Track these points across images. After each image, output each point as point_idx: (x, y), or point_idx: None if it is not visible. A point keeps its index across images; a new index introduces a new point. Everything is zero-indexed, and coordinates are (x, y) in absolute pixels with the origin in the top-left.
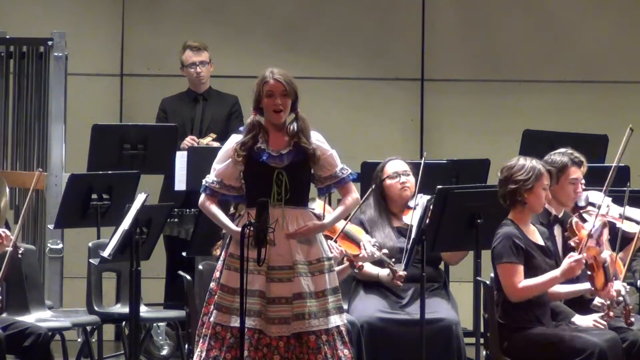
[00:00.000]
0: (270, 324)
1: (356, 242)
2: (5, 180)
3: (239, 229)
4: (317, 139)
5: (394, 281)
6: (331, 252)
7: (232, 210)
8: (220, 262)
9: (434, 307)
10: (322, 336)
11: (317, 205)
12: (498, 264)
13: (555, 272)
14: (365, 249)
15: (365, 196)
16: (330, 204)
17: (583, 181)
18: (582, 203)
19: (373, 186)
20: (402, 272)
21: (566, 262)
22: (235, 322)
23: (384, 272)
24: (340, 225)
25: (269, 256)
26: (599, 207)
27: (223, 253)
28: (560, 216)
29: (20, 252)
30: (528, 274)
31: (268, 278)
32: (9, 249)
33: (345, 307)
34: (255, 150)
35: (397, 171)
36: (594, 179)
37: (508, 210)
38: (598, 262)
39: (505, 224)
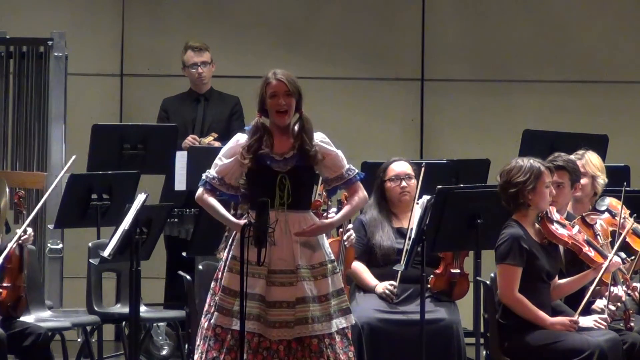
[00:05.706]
0: (270, 327)
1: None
2: (5, 180)
3: (239, 222)
4: (322, 139)
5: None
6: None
7: (231, 212)
8: (222, 262)
9: (433, 306)
10: (324, 339)
11: (333, 212)
12: (500, 264)
13: (547, 319)
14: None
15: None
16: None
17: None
18: (602, 208)
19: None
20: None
21: (561, 320)
22: (235, 325)
23: (381, 286)
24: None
25: (270, 259)
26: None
27: (225, 253)
28: (564, 217)
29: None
30: (530, 276)
31: (269, 282)
32: (31, 247)
33: None
34: (259, 154)
35: (399, 174)
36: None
37: (509, 210)
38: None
39: (511, 225)
